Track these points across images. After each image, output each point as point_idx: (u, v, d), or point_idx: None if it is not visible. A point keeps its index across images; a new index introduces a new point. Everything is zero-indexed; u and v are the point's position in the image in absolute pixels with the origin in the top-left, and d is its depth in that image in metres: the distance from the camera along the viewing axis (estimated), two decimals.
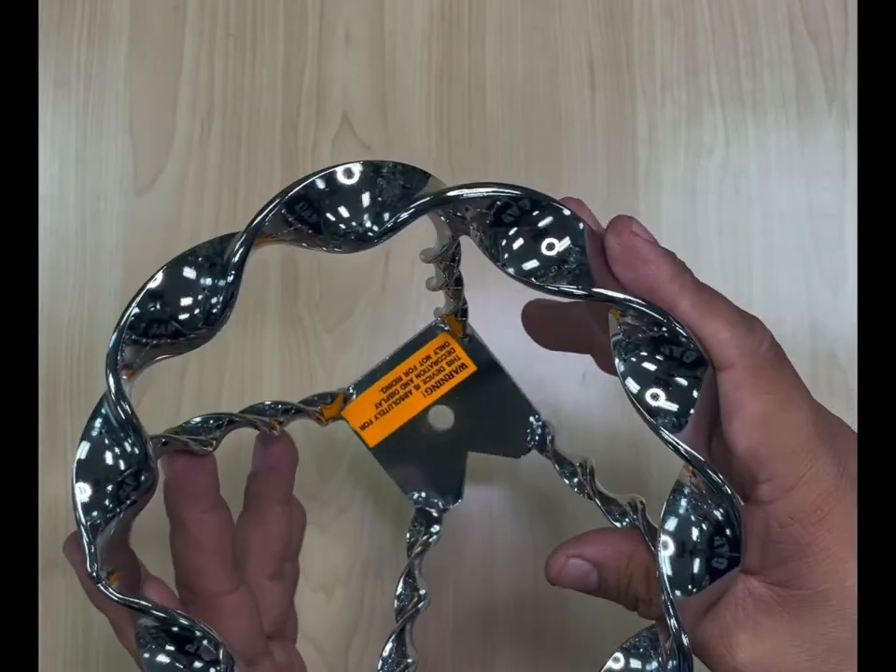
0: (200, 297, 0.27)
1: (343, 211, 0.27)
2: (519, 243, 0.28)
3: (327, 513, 0.44)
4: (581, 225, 0.28)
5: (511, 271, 0.27)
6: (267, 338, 0.45)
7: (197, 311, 0.27)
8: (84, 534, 0.27)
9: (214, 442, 0.33)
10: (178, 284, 0.27)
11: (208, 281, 0.27)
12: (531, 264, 0.27)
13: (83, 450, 0.28)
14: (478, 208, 0.29)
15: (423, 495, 0.39)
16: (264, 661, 0.34)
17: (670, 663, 0.26)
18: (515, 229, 0.28)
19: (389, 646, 0.35)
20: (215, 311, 0.27)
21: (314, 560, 0.43)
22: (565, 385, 0.43)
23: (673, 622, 0.26)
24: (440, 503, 0.39)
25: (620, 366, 0.26)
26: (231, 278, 0.27)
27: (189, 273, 0.27)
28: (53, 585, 0.43)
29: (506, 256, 0.28)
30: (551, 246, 0.27)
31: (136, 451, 0.28)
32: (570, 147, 0.47)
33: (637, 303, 0.27)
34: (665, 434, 0.26)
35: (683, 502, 0.26)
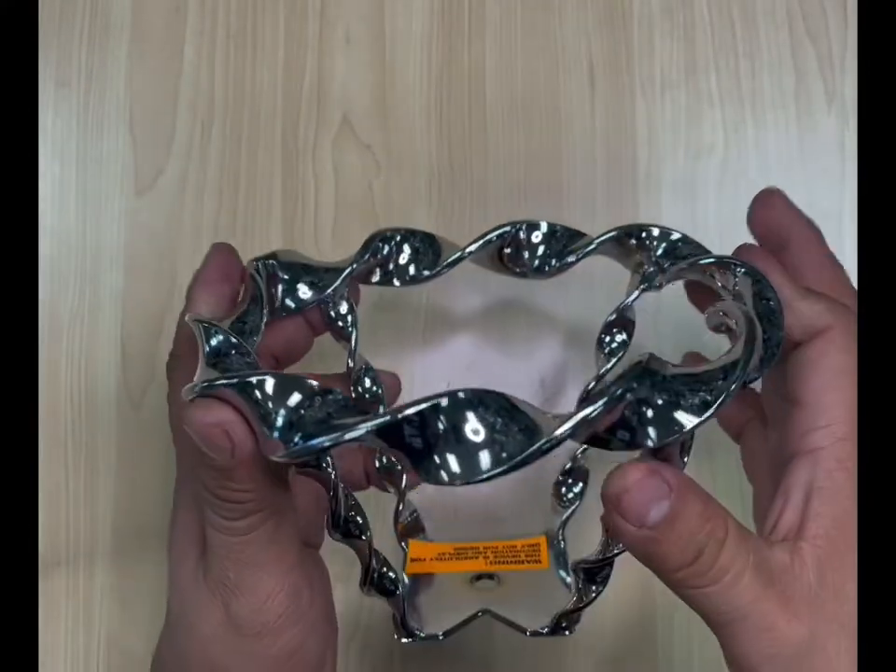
0: (264, 412, 0.28)
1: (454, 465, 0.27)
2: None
3: None
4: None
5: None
6: None
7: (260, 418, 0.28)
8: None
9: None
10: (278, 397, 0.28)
11: (278, 421, 0.28)
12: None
13: None
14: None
15: (416, 612, 0.38)
16: None
17: None
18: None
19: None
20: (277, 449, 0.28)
21: None
22: (565, 383, 0.43)
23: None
24: (424, 629, 0.38)
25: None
26: (295, 450, 0.28)
27: (291, 403, 0.28)
28: (53, 585, 0.43)
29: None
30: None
31: None
32: (570, 146, 0.47)
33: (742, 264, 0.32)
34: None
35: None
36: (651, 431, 0.27)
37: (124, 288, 0.45)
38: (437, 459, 0.26)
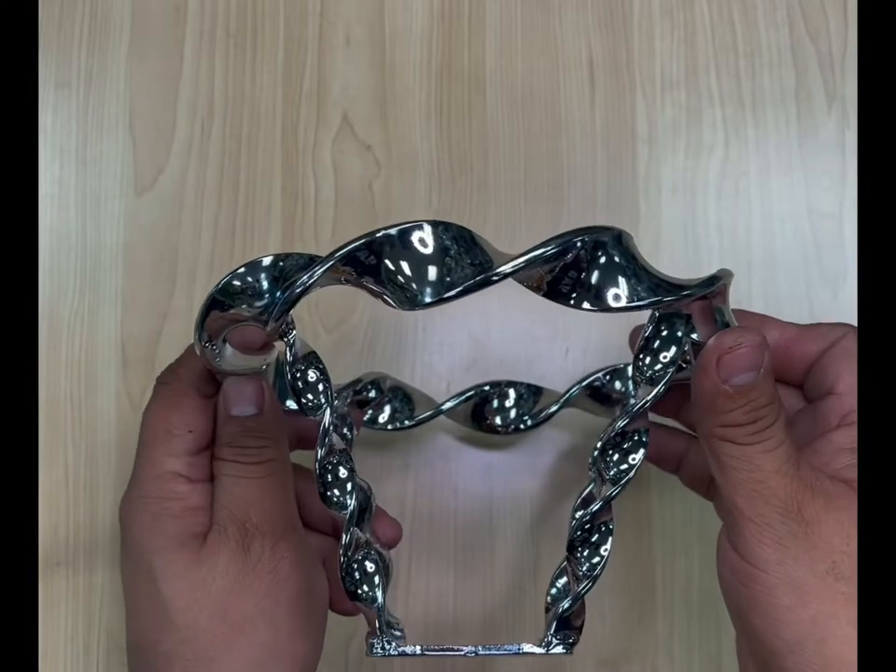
0: (254, 293, 0.31)
1: (406, 269, 0.30)
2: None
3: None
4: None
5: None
6: None
7: (252, 302, 0.31)
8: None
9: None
10: (253, 272, 0.32)
11: (265, 285, 0.31)
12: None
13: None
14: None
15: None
16: None
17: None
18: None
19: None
20: (263, 315, 0.31)
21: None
22: (565, 384, 0.43)
23: None
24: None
25: None
26: (279, 303, 0.30)
27: (266, 264, 0.32)
28: (53, 585, 0.43)
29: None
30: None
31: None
32: (570, 146, 0.47)
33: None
34: None
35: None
36: (596, 276, 0.30)
37: (124, 288, 0.45)
38: (390, 265, 0.29)
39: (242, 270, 0.31)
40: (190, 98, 0.47)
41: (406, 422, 0.42)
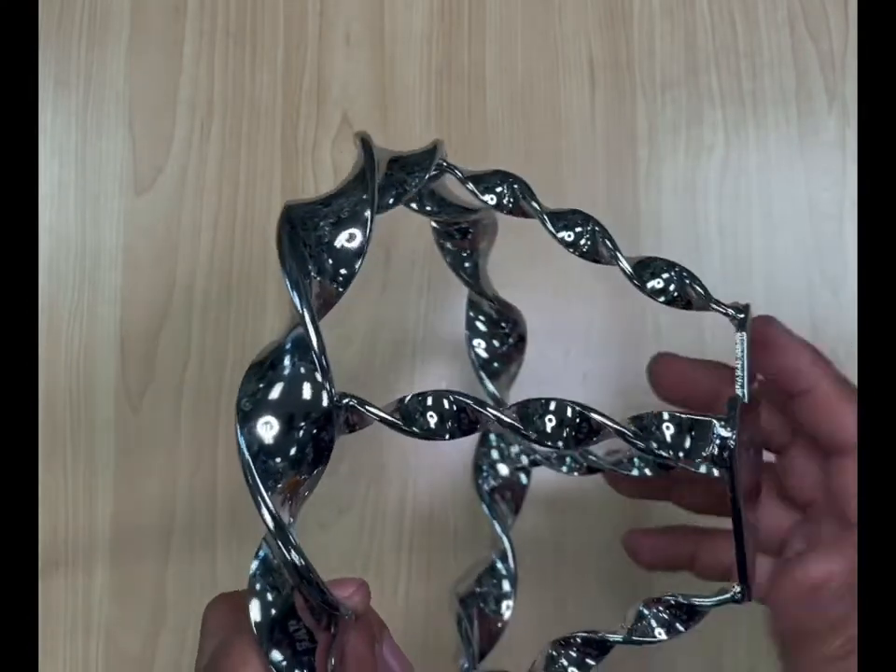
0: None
1: None
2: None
3: (327, 513, 0.44)
4: None
5: None
6: (267, 339, 0.45)
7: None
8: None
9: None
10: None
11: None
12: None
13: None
14: None
15: None
16: None
17: None
18: None
19: None
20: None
21: (312, 560, 0.43)
22: (565, 385, 0.43)
23: None
24: None
25: None
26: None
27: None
28: (53, 585, 0.43)
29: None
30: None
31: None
32: (570, 146, 0.47)
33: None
34: None
35: None
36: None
37: (123, 288, 0.45)
38: None
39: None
40: (190, 97, 0.47)
41: None
